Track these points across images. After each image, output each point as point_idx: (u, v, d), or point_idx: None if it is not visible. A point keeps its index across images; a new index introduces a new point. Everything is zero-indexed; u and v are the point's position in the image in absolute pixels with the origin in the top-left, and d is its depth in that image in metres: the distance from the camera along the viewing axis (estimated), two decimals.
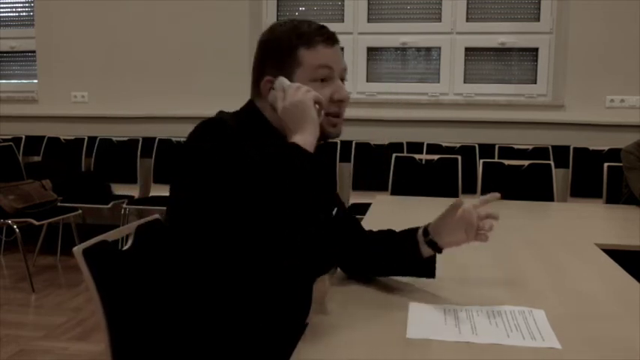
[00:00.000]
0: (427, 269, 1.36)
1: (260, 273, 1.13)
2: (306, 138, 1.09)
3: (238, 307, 1.15)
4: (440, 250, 1.33)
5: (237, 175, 1.04)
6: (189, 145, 1.10)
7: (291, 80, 1.16)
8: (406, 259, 1.37)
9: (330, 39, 1.20)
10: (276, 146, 1.10)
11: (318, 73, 1.18)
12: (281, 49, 1.17)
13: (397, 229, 1.42)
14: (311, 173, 1.04)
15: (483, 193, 3.24)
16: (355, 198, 4.07)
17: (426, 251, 1.33)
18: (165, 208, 1.20)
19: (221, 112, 1.20)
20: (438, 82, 4.40)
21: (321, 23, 1.21)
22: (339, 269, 1.48)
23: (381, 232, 1.45)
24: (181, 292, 1.15)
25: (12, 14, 4.90)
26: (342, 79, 1.23)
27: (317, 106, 1.13)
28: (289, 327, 1.23)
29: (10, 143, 4.12)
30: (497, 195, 1.31)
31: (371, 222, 2.13)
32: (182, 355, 1.16)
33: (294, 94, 1.12)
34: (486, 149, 4.07)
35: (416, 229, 1.37)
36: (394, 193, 3.39)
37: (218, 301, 1.14)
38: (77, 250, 1.22)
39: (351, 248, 1.41)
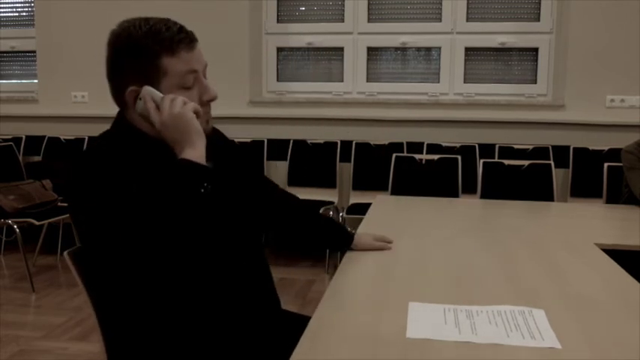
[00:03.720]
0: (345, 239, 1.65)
1: (197, 264, 1.16)
2: (197, 151, 1.09)
3: (201, 300, 1.19)
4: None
5: (130, 204, 1.03)
6: (78, 186, 1.08)
7: (157, 89, 1.13)
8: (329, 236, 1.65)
9: (192, 41, 1.16)
10: (169, 166, 1.08)
11: (186, 80, 1.15)
12: (142, 57, 1.11)
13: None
14: (203, 184, 1.05)
15: (483, 193, 3.24)
16: (355, 198, 4.07)
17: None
18: None
19: (93, 141, 1.18)
20: (438, 82, 4.40)
21: (178, 23, 1.17)
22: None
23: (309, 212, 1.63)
24: (158, 294, 1.17)
25: (12, 14, 4.91)
26: (204, 76, 1.21)
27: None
28: (259, 307, 1.29)
29: (10, 143, 4.13)
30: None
31: (371, 222, 2.14)
32: (176, 354, 1.17)
33: (171, 107, 1.10)
34: (486, 149, 4.07)
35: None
36: (394, 193, 3.39)
37: (180, 301, 1.17)
38: (66, 253, 1.23)
39: (276, 213, 1.53)
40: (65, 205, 3.80)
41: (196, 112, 1.12)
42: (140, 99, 1.13)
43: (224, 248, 1.21)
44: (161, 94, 1.12)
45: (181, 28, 1.16)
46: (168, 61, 1.12)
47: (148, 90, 1.12)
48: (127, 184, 1.05)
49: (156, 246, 1.04)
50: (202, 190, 1.05)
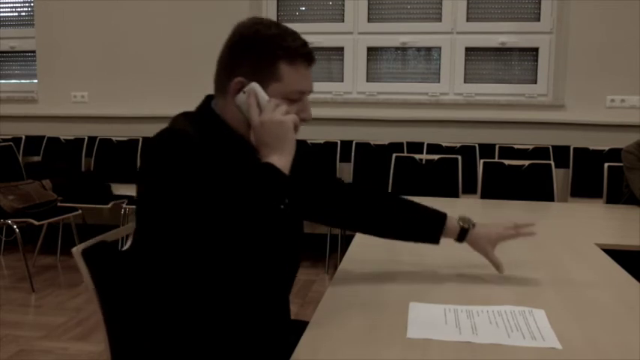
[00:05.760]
0: (432, 233, 1.43)
1: (234, 275, 1.14)
2: (284, 160, 1.09)
3: (221, 307, 1.16)
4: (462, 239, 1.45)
5: (206, 194, 1.03)
6: (155, 159, 1.08)
7: (264, 90, 1.13)
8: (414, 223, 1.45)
9: (311, 59, 1.18)
10: (252, 165, 1.08)
11: (294, 95, 1.16)
12: (262, 56, 1.13)
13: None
14: (285, 199, 1.05)
15: (483, 193, 3.24)
16: None
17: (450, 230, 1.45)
18: None
19: (178, 121, 1.18)
20: (438, 81, 4.40)
21: (304, 37, 1.17)
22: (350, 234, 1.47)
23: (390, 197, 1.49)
24: (170, 293, 1.16)
25: (12, 14, 4.90)
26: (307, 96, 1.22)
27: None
28: (272, 324, 1.26)
29: (10, 143, 4.12)
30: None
31: None
32: (178, 354, 1.17)
33: (274, 112, 1.11)
34: (486, 149, 4.07)
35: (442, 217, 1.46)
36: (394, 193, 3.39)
37: (201, 302, 1.15)
38: (76, 250, 1.22)
39: (330, 199, 1.42)
40: (65, 205, 3.80)
41: (295, 126, 1.13)
42: (244, 92, 1.13)
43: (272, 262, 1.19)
44: (267, 96, 1.13)
45: (306, 44, 1.17)
46: (285, 69, 1.14)
47: (255, 87, 1.13)
48: (209, 173, 1.05)
49: (214, 243, 1.03)
50: (282, 207, 1.04)
